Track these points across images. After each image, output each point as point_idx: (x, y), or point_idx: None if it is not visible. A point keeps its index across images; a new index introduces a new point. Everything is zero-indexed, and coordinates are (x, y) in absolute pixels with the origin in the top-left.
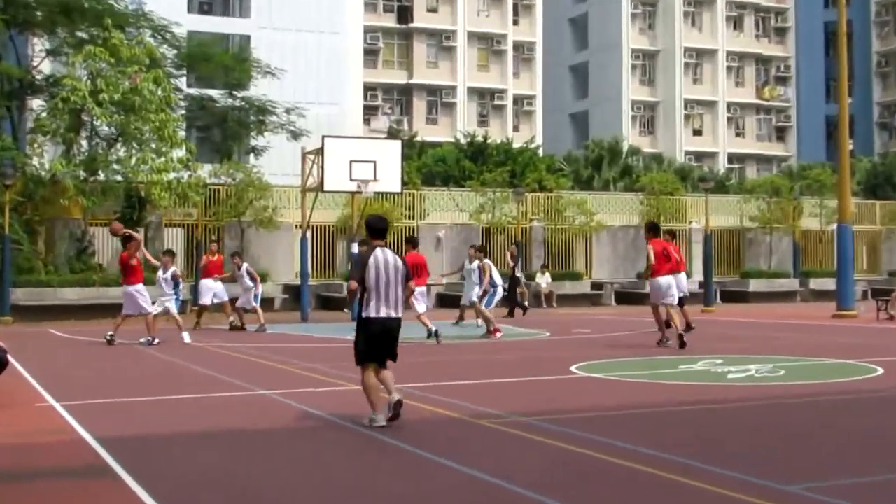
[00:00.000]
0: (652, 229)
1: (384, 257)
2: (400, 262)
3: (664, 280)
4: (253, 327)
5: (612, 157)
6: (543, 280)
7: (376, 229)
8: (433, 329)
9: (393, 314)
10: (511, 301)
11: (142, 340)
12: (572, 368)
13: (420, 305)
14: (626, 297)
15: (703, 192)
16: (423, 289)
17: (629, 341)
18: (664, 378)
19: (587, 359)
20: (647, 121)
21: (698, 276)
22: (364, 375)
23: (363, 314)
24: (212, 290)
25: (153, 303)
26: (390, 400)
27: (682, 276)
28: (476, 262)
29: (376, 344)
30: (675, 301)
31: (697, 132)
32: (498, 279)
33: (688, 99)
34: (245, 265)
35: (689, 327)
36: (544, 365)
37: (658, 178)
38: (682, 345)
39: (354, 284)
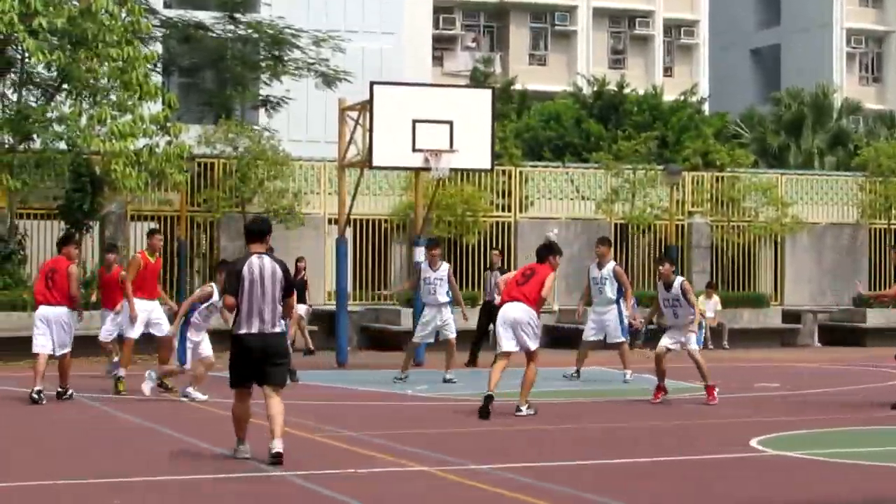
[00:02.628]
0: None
1: (260, 265)
2: (280, 272)
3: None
4: None
5: (816, 116)
6: (709, 306)
7: (251, 232)
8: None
9: (268, 329)
10: (481, 338)
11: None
12: (754, 443)
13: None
14: (838, 335)
15: None
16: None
17: (844, 402)
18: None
19: (777, 428)
20: (871, 61)
21: None
22: (235, 400)
23: (234, 331)
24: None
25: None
26: (269, 447)
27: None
28: (611, 266)
29: (252, 364)
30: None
31: None
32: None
33: None
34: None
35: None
36: (713, 437)
37: (888, 151)
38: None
39: (231, 301)
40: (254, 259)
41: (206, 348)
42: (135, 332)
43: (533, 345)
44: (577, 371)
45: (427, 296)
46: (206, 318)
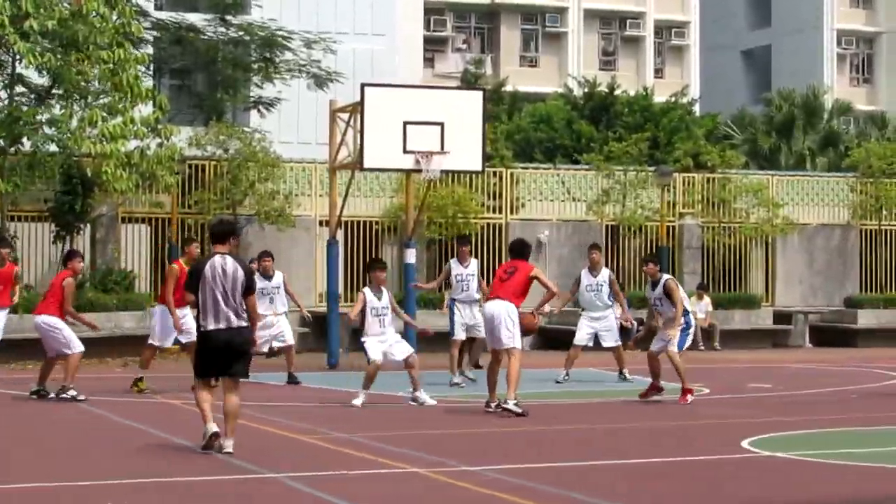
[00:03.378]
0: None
1: (223, 264)
2: (241, 273)
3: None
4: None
5: (807, 117)
6: (700, 307)
7: (215, 234)
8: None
9: (234, 324)
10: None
11: None
12: (745, 443)
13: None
14: (829, 336)
15: None
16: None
17: (834, 402)
18: (886, 459)
19: (767, 429)
20: (861, 62)
21: None
22: (198, 389)
23: (200, 328)
24: None
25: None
26: (221, 444)
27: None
28: (606, 272)
29: (216, 358)
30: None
31: None
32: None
33: None
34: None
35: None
36: (704, 437)
37: (879, 152)
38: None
39: (192, 297)
40: (217, 259)
41: (401, 350)
42: (167, 341)
43: (509, 342)
44: (567, 373)
45: (460, 293)
46: (382, 321)
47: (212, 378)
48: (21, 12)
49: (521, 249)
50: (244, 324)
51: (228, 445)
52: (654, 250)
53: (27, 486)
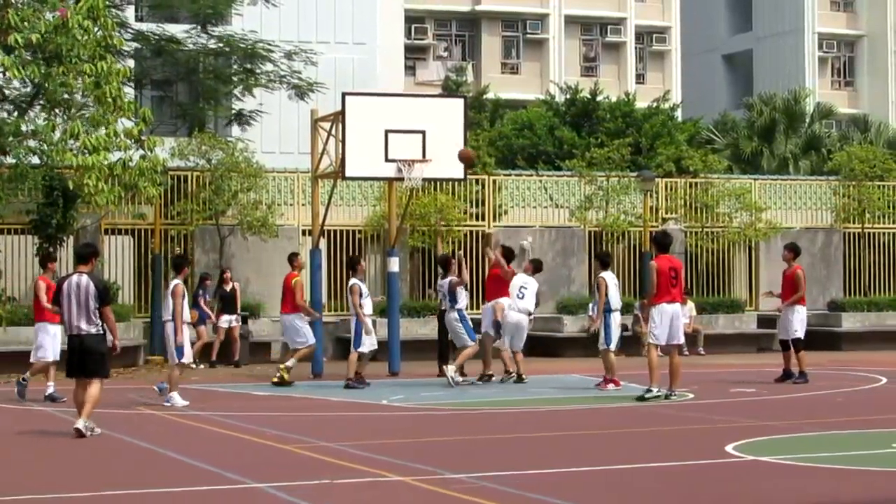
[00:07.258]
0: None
1: (77, 281)
2: (92, 287)
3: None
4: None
5: (789, 121)
6: (684, 312)
7: (77, 255)
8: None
9: (83, 330)
10: (445, 347)
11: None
12: (729, 448)
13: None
14: (813, 339)
15: None
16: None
17: (818, 406)
18: (870, 462)
19: (751, 434)
20: (843, 66)
21: None
22: (75, 390)
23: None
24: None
25: None
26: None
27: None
28: (447, 280)
29: (72, 358)
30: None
31: None
32: (616, 300)
33: None
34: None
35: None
36: (688, 442)
37: (861, 155)
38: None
39: (57, 309)
40: (73, 277)
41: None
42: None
43: (682, 339)
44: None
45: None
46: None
47: (78, 378)
48: (4, 24)
49: (670, 244)
50: (94, 330)
51: (79, 423)
52: (637, 255)
53: (14, 499)
